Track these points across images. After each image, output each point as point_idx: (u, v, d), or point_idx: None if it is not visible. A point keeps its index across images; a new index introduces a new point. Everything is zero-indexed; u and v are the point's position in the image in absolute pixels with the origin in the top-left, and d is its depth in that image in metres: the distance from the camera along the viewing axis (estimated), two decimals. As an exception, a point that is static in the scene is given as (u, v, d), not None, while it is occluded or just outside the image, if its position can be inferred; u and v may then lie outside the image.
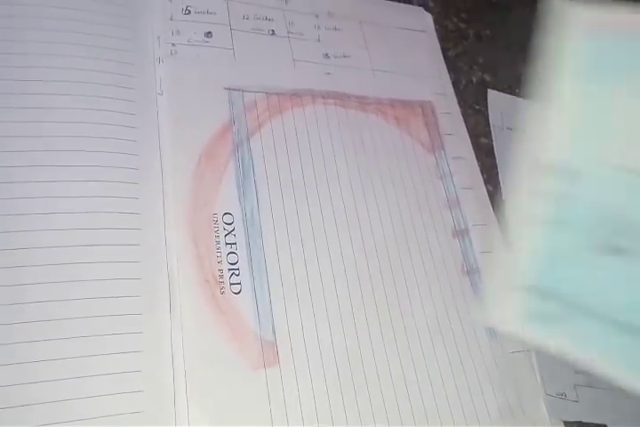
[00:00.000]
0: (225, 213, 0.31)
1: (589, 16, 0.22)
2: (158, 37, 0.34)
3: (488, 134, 0.40)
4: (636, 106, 0.21)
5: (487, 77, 0.43)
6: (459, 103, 0.40)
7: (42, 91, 0.31)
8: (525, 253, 0.23)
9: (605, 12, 0.22)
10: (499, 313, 0.23)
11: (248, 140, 0.34)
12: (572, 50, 0.22)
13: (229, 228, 0.31)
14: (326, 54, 0.39)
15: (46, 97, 0.30)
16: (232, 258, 0.30)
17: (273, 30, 0.38)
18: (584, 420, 0.31)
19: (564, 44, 0.22)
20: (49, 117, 0.30)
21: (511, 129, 0.41)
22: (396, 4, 0.43)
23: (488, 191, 0.38)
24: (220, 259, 0.30)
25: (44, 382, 0.25)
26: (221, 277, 0.29)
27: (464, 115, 0.40)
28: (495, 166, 0.39)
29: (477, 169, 0.38)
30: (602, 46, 0.22)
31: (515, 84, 0.44)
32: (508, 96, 0.43)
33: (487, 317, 0.24)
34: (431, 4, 0.44)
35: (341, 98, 0.37)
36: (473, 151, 0.38)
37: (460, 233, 0.35)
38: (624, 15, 0.21)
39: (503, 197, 0.38)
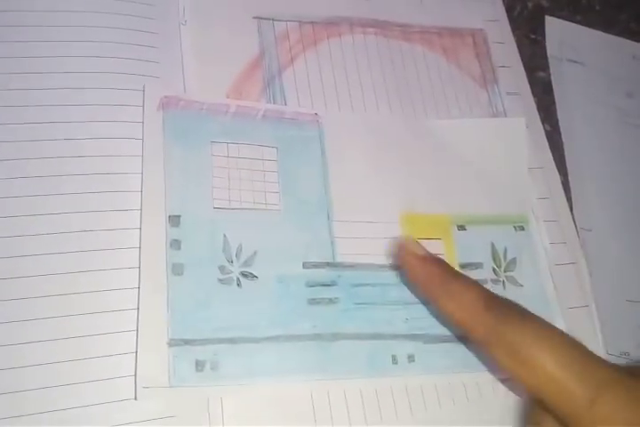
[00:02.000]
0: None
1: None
2: (180, -38, 0.32)
3: (546, 67, 0.38)
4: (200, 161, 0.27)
5: (545, 2, 0.40)
6: (513, 32, 0.37)
7: (60, 23, 0.29)
8: (164, 306, 0.24)
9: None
10: (153, 371, 0.23)
11: (280, 75, 0.31)
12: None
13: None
14: (365, -23, 0.35)
15: (62, 29, 0.29)
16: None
17: (306, -49, 0.34)
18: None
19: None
20: (69, 53, 0.28)
21: (571, 61, 0.37)
22: None
23: (545, 131, 0.35)
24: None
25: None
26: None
27: (519, 45, 0.37)
28: (553, 103, 0.36)
29: (534, 106, 0.35)
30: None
31: (575, 11, 0.40)
32: (568, 23, 0.40)
33: (141, 375, 0.23)
34: None
35: (382, 26, 0.34)
36: (529, 86, 0.35)
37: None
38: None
39: (562, 138, 0.34)
